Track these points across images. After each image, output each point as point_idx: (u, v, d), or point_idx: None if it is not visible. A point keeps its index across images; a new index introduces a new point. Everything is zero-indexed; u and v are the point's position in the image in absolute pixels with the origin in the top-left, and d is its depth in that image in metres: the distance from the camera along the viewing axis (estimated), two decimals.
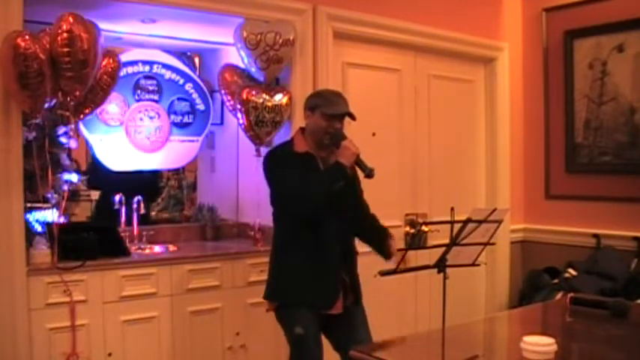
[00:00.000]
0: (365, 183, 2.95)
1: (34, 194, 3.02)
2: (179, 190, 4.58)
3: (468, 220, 2.47)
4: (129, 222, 3.77)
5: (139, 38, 3.89)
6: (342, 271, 2.84)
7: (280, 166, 2.82)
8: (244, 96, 3.60)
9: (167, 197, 4.58)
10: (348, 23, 3.95)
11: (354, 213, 2.94)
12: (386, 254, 2.92)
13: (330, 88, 3.84)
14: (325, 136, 2.81)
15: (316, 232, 2.77)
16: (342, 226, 2.86)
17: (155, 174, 4.40)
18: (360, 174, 2.83)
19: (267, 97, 3.63)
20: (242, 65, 3.71)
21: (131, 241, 3.66)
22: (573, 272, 4.34)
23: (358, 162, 2.77)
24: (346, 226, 2.89)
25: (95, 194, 3.95)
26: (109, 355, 3.11)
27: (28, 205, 2.99)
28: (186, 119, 4.07)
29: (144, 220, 3.99)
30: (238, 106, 3.64)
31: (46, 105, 2.93)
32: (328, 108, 2.80)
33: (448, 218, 2.47)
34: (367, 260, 2.97)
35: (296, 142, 2.90)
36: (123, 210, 3.76)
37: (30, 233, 2.99)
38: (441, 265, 2.60)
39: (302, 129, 2.95)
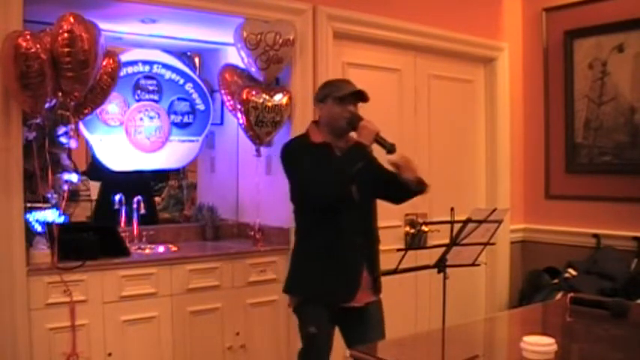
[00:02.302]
0: None
1: (34, 194, 3.01)
2: (179, 190, 4.58)
3: (468, 220, 2.47)
4: (129, 222, 3.77)
5: (139, 38, 3.88)
6: (364, 262, 2.82)
7: (298, 156, 2.81)
8: (244, 96, 3.60)
9: (167, 197, 4.58)
10: (348, 23, 3.95)
11: (379, 190, 2.93)
12: (410, 186, 2.86)
13: None
14: (342, 120, 2.80)
15: (336, 223, 2.76)
16: (364, 216, 2.85)
17: (155, 174, 4.41)
18: (382, 151, 2.79)
19: (267, 97, 3.63)
20: (242, 65, 3.71)
21: (131, 241, 3.66)
22: (573, 272, 4.34)
23: (378, 139, 2.75)
24: (368, 216, 2.88)
25: (95, 186, 3.97)
26: (109, 355, 3.11)
27: (28, 205, 2.99)
28: (186, 119, 4.07)
29: (151, 219, 4.00)
30: (238, 106, 3.64)
31: (47, 105, 2.93)
32: (340, 91, 2.80)
33: (448, 218, 2.47)
34: None
35: (311, 134, 2.89)
36: (123, 210, 3.76)
37: (30, 233, 2.99)
38: (441, 265, 2.60)
39: (315, 122, 2.94)
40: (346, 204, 2.77)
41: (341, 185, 2.70)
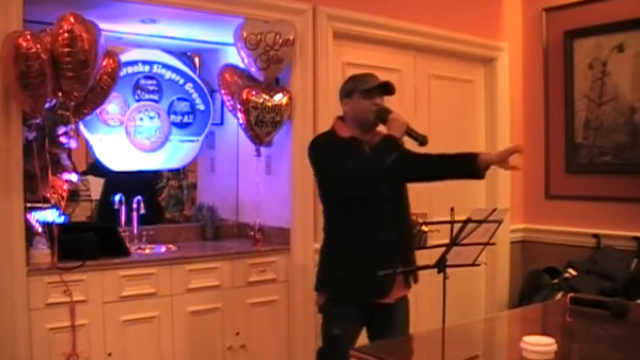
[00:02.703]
0: None
1: (34, 194, 3.01)
2: (179, 190, 4.58)
3: (468, 220, 2.47)
4: (132, 221, 3.77)
5: (139, 38, 3.89)
6: (397, 257, 2.76)
7: (327, 152, 2.77)
8: (244, 96, 3.60)
9: (167, 197, 4.58)
10: (348, 23, 3.95)
11: (424, 170, 2.92)
12: (475, 172, 2.83)
13: (327, 86, 3.86)
14: (370, 114, 2.77)
15: (368, 219, 2.72)
16: (396, 210, 2.81)
17: (156, 174, 4.41)
18: (414, 144, 2.77)
19: (267, 97, 3.63)
20: (242, 65, 3.71)
21: (131, 241, 3.66)
22: (573, 272, 4.34)
23: (409, 131, 2.72)
24: (400, 209, 2.85)
25: (96, 184, 3.96)
26: (109, 355, 3.11)
27: (28, 205, 2.99)
28: (186, 119, 4.07)
29: (157, 218, 3.99)
30: (238, 106, 3.64)
31: (47, 105, 2.93)
32: (367, 84, 2.78)
33: (448, 218, 2.47)
34: None
35: (338, 129, 2.85)
36: (123, 210, 3.76)
37: (30, 233, 2.99)
38: (441, 265, 2.60)
39: (340, 118, 2.91)
40: (378, 198, 2.72)
41: (373, 179, 2.67)
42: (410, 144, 2.85)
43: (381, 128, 2.82)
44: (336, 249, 2.84)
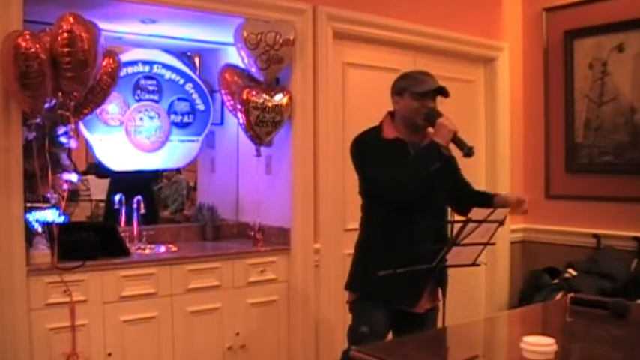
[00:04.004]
0: None
1: (34, 194, 3.01)
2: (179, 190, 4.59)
3: (468, 220, 2.47)
4: (129, 222, 3.77)
5: (139, 38, 3.88)
6: (431, 270, 2.67)
7: (369, 153, 2.71)
8: (244, 96, 3.60)
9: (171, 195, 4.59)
10: (348, 23, 3.95)
11: (454, 194, 2.84)
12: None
13: (327, 86, 3.86)
14: (419, 116, 2.69)
15: (407, 224, 2.64)
16: (436, 218, 2.74)
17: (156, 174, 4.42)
18: (458, 153, 2.69)
19: (267, 97, 3.63)
20: (242, 65, 3.71)
21: (131, 241, 3.66)
22: (573, 272, 4.34)
23: (456, 140, 2.63)
24: (440, 218, 2.77)
25: (98, 185, 3.96)
26: (109, 355, 3.11)
27: (28, 205, 2.99)
28: (186, 119, 4.07)
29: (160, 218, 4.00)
30: (238, 106, 3.64)
31: (46, 105, 2.93)
32: (418, 86, 2.68)
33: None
34: None
35: (384, 128, 2.77)
36: (123, 210, 3.76)
37: (30, 233, 2.99)
38: (440, 265, 2.60)
39: (390, 114, 2.83)
40: (419, 205, 2.65)
41: (413, 188, 2.60)
42: (455, 152, 2.76)
43: (431, 129, 2.73)
44: (371, 249, 2.77)
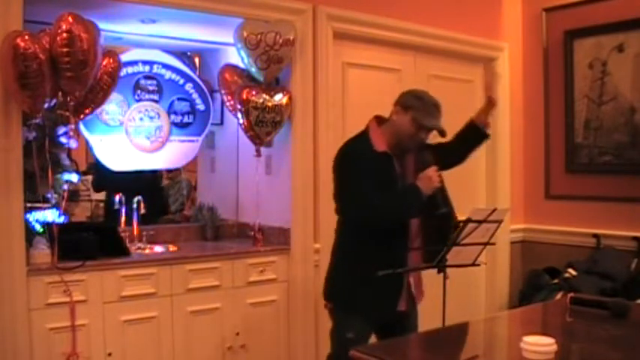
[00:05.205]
0: None
1: (34, 194, 3.02)
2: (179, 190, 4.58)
3: (468, 220, 2.47)
4: (129, 222, 3.77)
5: (139, 38, 3.89)
6: (404, 284, 2.74)
7: (354, 168, 2.66)
8: (244, 96, 3.60)
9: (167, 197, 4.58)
10: (348, 23, 3.95)
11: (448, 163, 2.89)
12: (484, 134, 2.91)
13: (327, 86, 3.86)
14: (410, 142, 2.70)
15: (384, 237, 2.66)
16: (411, 240, 2.75)
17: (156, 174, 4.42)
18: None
19: (267, 97, 3.62)
20: (242, 65, 3.71)
21: (131, 241, 3.66)
22: (573, 272, 4.34)
23: (437, 194, 2.63)
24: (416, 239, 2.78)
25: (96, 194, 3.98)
26: (109, 355, 3.11)
27: (28, 205, 2.99)
28: (186, 119, 4.07)
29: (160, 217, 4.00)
30: (238, 106, 3.64)
31: (46, 105, 2.93)
32: (425, 119, 2.66)
33: None
34: None
35: (374, 137, 2.73)
36: (123, 210, 3.76)
37: (30, 233, 2.99)
38: (441, 265, 2.60)
39: (377, 119, 2.80)
40: (396, 229, 2.69)
41: (389, 220, 2.64)
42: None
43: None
44: (349, 259, 2.77)
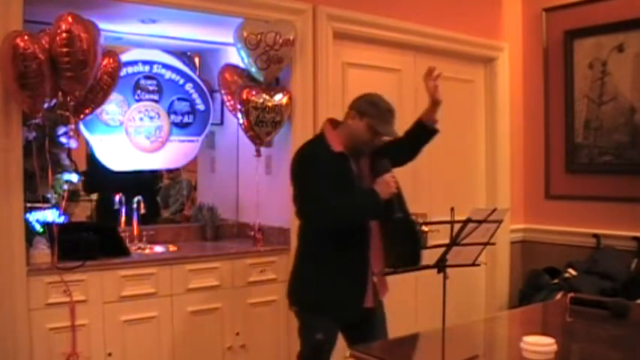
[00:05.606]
0: None
1: (34, 194, 3.02)
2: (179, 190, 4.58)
3: (468, 220, 2.47)
4: (128, 222, 3.77)
5: (139, 38, 3.89)
6: (369, 268, 2.76)
7: (312, 170, 2.69)
8: (244, 96, 3.60)
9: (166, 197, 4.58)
10: (348, 23, 3.95)
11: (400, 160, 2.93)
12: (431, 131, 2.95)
13: (327, 86, 3.86)
14: (364, 147, 2.75)
15: (345, 235, 2.68)
16: (372, 237, 2.77)
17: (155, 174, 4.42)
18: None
19: (267, 97, 3.63)
20: (242, 65, 3.71)
21: (131, 241, 3.66)
22: (573, 272, 4.34)
23: (393, 200, 2.66)
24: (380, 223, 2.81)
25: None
26: (109, 355, 3.11)
27: (28, 205, 2.99)
28: (186, 119, 4.07)
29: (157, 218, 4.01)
30: (238, 106, 3.64)
31: (46, 105, 2.93)
32: (381, 125, 2.70)
33: (448, 218, 2.47)
34: None
35: (330, 139, 2.75)
36: (123, 210, 3.76)
37: (30, 233, 2.99)
38: (441, 265, 2.60)
39: (331, 122, 2.83)
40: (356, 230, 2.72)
41: (346, 222, 2.67)
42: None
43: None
44: (311, 262, 2.80)
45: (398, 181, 2.71)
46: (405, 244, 2.73)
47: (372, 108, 2.73)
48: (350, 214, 2.67)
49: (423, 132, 2.95)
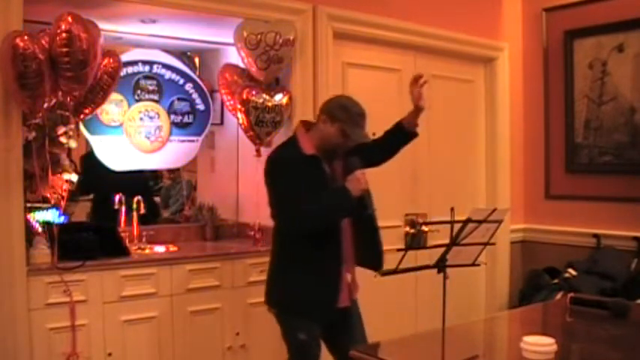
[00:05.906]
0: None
1: (34, 194, 3.02)
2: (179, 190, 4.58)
3: (468, 220, 2.47)
4: (128, 222, 3.77)
5: (139, 38, 3.89)
6: (342, 266, 2.77)
7: (285, 175, 2.69)
8: (244, 96, 3.60)
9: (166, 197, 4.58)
10: (348, 23, 3.95)
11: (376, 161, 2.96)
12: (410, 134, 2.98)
13: (327, 86, 3.85)
14: (337, 150, 2.75)
15: (318, 235, 2.70)
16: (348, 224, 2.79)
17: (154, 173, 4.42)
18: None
19: (267, 97, 3.63)
20: (242, 65, 3.71)
21: (131, 241, 3.66)
22: (573, 272, 4.34)
23: (364, 197, 2.67)
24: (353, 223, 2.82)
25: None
26: (109, 355, 3.11)
27: (28, 205, 2.99)
28: (186, 119, 4.07)
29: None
30: (238, 106, 3.64)
31: (46, 105, 2.93)
32: (352, 130, 2.68)
33: (448, 218, 2.47)
34: None
35: (302, 142, 2.76)
36: (123, 210, 3.76)
37: (30, 233, 2.99)
38: (441, 265, 2.60)
39: (304, 124, 2.84)
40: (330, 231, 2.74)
41: (321, 222, 2.68)
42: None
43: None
44: (287, 264, 2.80)
45: (367, 179, 2.71)
46: (369, 244, 2.77)
47: (342, 112, 2.71)
48: (323, 214, 2.67)
49: (402, 134, 2.99)
